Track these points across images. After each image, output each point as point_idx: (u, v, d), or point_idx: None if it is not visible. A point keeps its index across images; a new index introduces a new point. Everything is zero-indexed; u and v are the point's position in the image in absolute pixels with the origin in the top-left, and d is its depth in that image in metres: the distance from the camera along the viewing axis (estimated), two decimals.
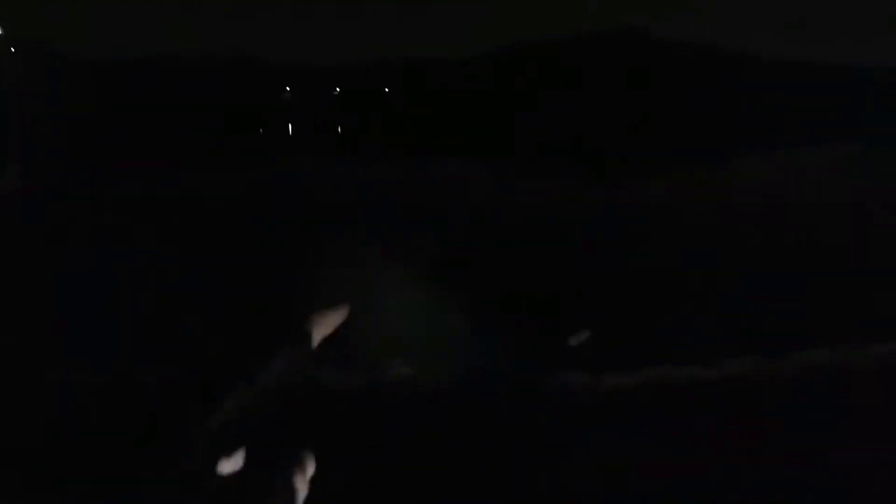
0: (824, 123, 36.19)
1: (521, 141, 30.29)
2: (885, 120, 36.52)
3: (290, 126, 42.10)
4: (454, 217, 10.45)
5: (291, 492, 0.31)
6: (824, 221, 9.47)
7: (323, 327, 0.34)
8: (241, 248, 8.23)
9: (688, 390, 3.78)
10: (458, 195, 13.22)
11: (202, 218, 10.62)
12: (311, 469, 0.34)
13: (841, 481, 2.99)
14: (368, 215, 10.68)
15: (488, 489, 3.06)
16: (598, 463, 3.19)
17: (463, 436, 3.43)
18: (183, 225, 9.93)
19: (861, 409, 3.46)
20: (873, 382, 3.64)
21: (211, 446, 0.25)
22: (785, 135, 31.14)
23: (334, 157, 23.17)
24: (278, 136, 33.81)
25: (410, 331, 4.78)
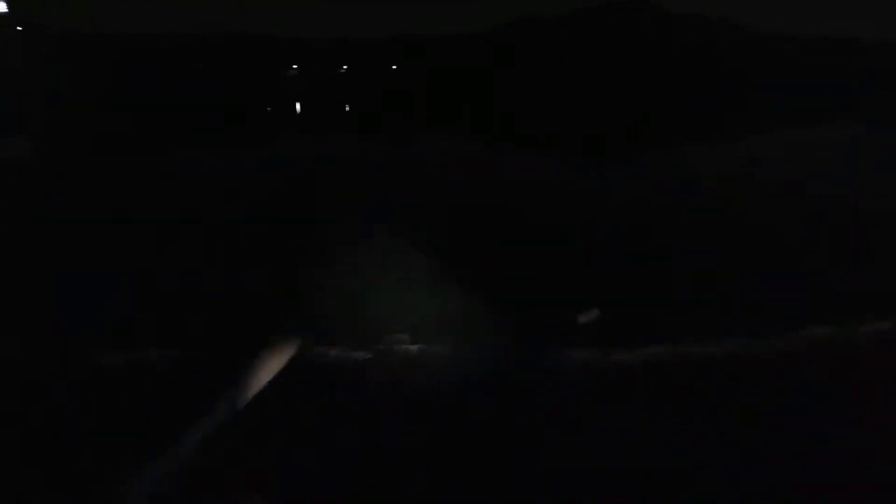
0: (831, 103, 35.71)
1: (529, 119, 30.09)
2: (890, 100, 35.98)
3: (297, 104, 41.93)
4: (462, 195, 10.47)
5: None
6: (826, 202, 9.46)
7: (271, 368, 0.37)
8: (247, 226, 8.29)
9: (692, 367, 3.84)
10: (465, 173, 13.21)
11: (208, 197, 10.67)
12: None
13: (840, 452, 3.05)
14: (375, 194, 10.70)
15: (494, 463, 3.14)
16: (604, 437, 3.27)
17: (469, 411, 3.51)
18: (186, 204, 9.98)
19: (860, 384, 3.51)
20: (871, 358, 3.70)
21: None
22: (790, 112, 30.77)
23: (342, 135, 23.12)
24: (285, 115, 33.75)
25: (417, 308, 4.85)
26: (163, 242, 7.45)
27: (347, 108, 38.54)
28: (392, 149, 17.92)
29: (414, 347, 4.21)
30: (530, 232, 7.84)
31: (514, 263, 6.46)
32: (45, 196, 10.83)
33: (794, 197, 9.89)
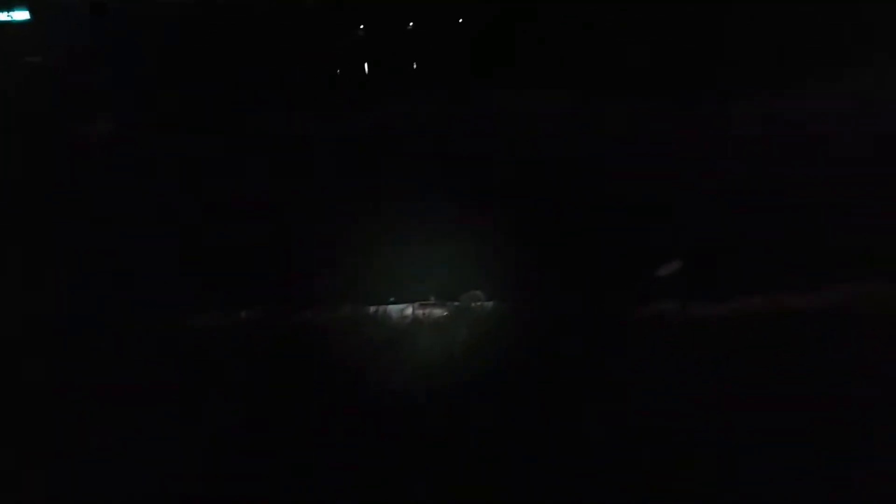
0: None
1: (603, 66, 28.94)
2: None
3: (365, 65, 42.07)
4: (537, 149, 10.25)
5: None
6: None
7: None
8: (327, 189, 8.40)
9: (780, 319, 3.66)
10: (537, 127, 12.91)
11: (290, 162, 10.87)
12: None
13: None
14: (448, 151, 10.62)
15: (574, 419, 3.12)
16: (687, 393, 3.18)
17: (547, 367, 3.49)
18: (260, 167, 10.17)
19: None
20: None
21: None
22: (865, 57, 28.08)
23: (411, 93, 23.01)
24: (353, 76, 33.93)
25: (492, 265, 4.81)
26: (250, 207, 7.64)
27: (415, 67, 38.31)
28: (467, 106, 17.68)
29: (489, 304, 4.21)
30: (608, 182, 7.59)
31: (591, 214, 6.28)
32: (131, 169, 11.31)
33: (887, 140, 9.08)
